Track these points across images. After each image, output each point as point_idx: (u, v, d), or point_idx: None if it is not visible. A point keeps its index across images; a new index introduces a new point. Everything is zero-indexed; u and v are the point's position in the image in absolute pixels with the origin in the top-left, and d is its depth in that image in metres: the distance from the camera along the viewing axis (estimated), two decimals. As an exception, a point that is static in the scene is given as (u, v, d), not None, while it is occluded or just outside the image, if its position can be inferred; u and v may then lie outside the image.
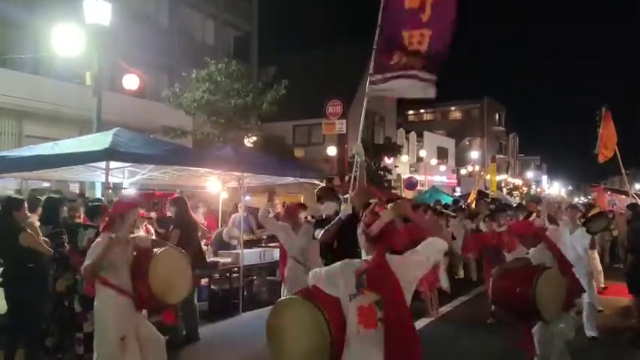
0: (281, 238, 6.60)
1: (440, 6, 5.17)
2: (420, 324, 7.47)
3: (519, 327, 5.23)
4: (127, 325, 4.54)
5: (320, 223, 5.91)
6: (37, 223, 6.39)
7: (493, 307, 7.32)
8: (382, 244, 3.21)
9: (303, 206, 7.36)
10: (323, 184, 9.93)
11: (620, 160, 11.69)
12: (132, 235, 4.90)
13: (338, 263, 3.33)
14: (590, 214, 7.95)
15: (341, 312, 3.15)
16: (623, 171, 11.98)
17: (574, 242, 7.38)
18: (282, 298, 3.76)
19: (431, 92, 5.62)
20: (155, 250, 4.87)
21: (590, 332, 7.31)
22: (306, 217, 7.04)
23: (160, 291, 4.62)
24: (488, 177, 22.92)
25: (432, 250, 3.28)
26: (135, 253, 4.76)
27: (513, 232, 6.19)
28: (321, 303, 3.16)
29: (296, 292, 3.54)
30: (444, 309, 8.75)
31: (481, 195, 18.87)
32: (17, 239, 5.44)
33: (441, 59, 5.43)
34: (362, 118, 5.93)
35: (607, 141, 11.72)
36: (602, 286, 10.29)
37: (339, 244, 5.26)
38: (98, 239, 4.59)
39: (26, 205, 5.87)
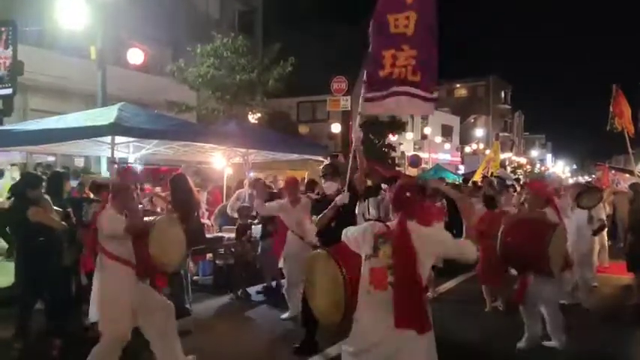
0: (281, 216, 6.93)
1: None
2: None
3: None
4: (135, 296, 4.57)
5: (319, 202, 5.93)
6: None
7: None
8: (403, 213, 3.34)
9: (314, 182, 7.81)
10: (327, 161, 9.94)
11: (627, 138, 11.58)
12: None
13: (363, 224, 3.61)
14: (581, 190, 7.98)
15: (360, 269, 3.40)
16: (630, 150, 11.85)
17: (573, 220, 7.52)
18: (313, 252, 4.23)
19: (430, 109, 5.74)
20: (151, 218, 5.05)
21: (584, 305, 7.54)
22: (307, 192, 7.25)
23: (157, 257, 4.75)
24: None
25: (463, 250, 3.40)
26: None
27: (530, 187, 6.53)
28: (342, 260, 3.55)
29: (324, 248, 3.98)
30: (442, 288, 8.70)
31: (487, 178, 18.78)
32: (25, 215, 5.39)
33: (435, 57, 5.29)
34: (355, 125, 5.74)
35: (625, 116, 11.57)
36: (606, 264, 10.34)
37: (335, 225, 5.31)
38: (113, 215, 4.55)
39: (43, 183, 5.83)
